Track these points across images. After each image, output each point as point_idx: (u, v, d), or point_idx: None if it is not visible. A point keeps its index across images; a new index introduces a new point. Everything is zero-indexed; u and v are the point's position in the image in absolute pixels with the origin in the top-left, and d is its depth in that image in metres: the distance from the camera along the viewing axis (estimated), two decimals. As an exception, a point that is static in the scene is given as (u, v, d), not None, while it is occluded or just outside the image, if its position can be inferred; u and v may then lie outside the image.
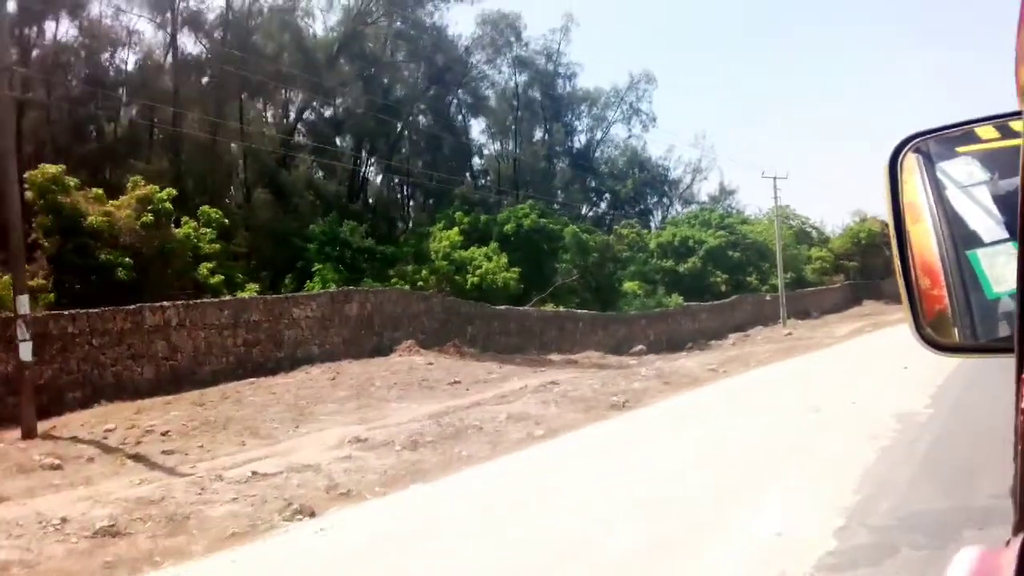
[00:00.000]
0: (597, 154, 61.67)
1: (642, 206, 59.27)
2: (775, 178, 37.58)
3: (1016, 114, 0.69)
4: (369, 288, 19.50)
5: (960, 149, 1.22)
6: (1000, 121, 1.15)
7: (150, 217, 17.09)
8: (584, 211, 59.05)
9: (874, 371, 12.89)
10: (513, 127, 51.21)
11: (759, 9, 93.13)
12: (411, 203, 47.89)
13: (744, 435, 8.12)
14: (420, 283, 26.11)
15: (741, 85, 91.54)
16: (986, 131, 1.18)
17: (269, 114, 34.58)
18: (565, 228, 30.33)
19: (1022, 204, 0.63)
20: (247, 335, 15.39)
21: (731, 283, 45.14)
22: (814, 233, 65.54)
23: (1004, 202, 1.09)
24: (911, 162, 1.24)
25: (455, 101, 46.67)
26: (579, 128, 60.56)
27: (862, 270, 63.26)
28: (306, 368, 14.85)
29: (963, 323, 1.15)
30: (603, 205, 60.17)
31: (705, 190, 63.75)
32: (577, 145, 59.20)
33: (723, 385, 12.26)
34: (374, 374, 13.73)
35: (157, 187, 17.92)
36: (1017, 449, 0.69)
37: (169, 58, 29.79)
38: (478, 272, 26.07)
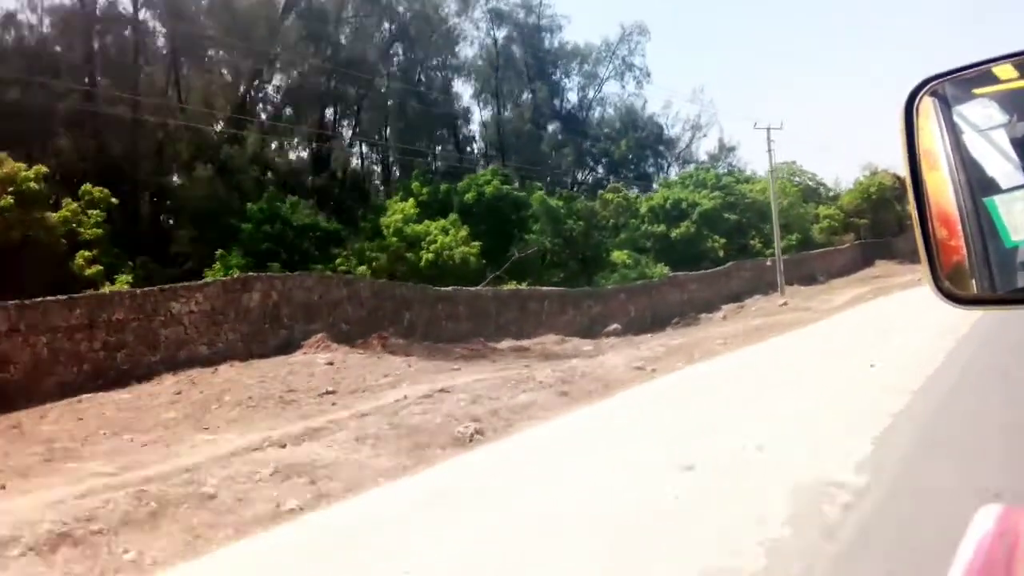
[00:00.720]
0: (591, 114, 58.29)
1: (638, 169, 55.89)
2: (768, 128, 34.26)
3: None
4: (276, 274, 16.82)
5: (977, 91, 1.16)
6: (1019, 59, 1.10)
7: (10, 200, 14.55)
8: (580, 176, 55.97)
9: (830, 373, 10.02)
10: (495, 87, 47.88)
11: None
12: (392, 176, 45.06)
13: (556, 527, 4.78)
14: (374, 263, 23.46)
15: (742, 34, 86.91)
16: (1004, 70, 1.12)
17: (216, 84, 31.65)
18: (533, 195, 27.36)
19: None
20: (108, 337, 12.86)
21: (730, 248, 41.97)
22: (822, 190, 61.84)
23: (1022, 145, 1.06)
24: (927, 106, 1.18)
25: (428, 60, 43.34)
26: (569, 87, 57.01)
27: (874, 227, 59.49)
28: (165, 377, 12.29)
29: (981, 274, 1.11)
30: (600, 170, 56.94)
31: (704, 148, 59.99)
32: (568, 106, 55.77)
33: (630, 397, 9.43)
34: (242, 382, 11.14)
35: (23, 165, 15.33)
36: None
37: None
38: (432, 248, 23.31)
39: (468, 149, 51.29)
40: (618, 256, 37.24)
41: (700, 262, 38.18)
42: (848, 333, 15.32)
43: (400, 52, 38.91)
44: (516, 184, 36.76)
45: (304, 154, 35.50)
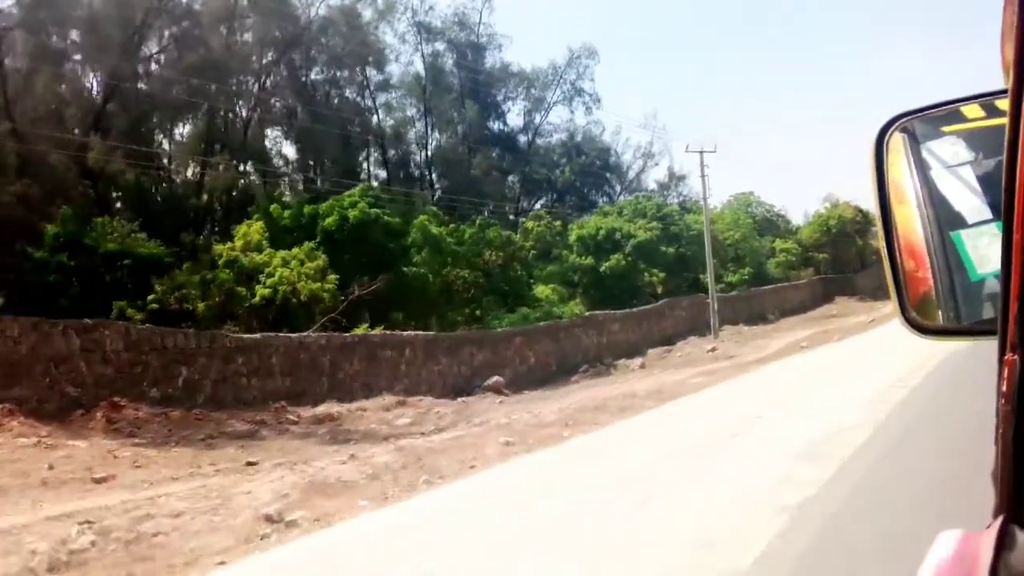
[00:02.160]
0: (537, 140, 54.53)
1: (585, 197, 51.97)
2: (702, 152, 30.32)
3: (1002, 92, 0.71)
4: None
5: (946, 128, 1.19)
6: (986, 100, 1.13)
7: None
8: (525, 204, 51.96)
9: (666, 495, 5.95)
10: (422, 107, 43.91)
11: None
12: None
13: None
14: (195, 300, 18.91)
15: (700, 61, 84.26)
16: (972, 110, 1.15)
17: (70, 91, 27.24)
18: (415, 221, 23.03)
19: (1006, 184, 0.62)
20: None
21: (671, 283, 37.97)
22: (780, 222, 58.27)
23: (988, 182, 1.08)
24: (897, 142, 1.22)
25: (336, 71, 39.21)
26: (513, 111, 53.35)
27: (834, 262, 55.83)
28: None
29: (947, 305, 1.13)
30: (543, 199, 52.94)
31: (655, 177, 56.33)
32: (510, 130, 51.96)
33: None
34: None
35: None
36: (999, 432, 0.67)
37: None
38: (270, 281, 18.83)
39: (403, 175, 47.18)
40: (542, 291, 33.04)
41: (634, 298, 34.04)
42: (738, 412, 11.11)
43: (298, 63, 34.69)
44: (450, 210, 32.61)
45: (190, 173, 31.10)
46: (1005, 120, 0.65)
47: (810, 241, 54.93)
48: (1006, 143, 0.62)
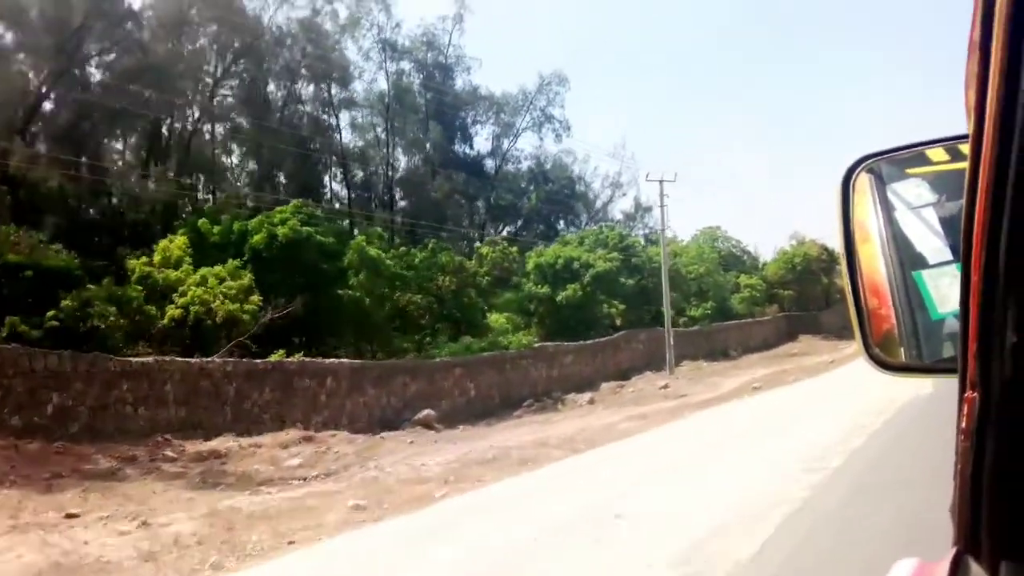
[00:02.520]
0: (505, 167, 53.65)
1: (551, 226, 51.00)
2: (661, 181, 29.42)
3: (965, 137, 0.70)
4: None
5: (910, 171, 1.22)
6: (950, 144, 1.14)
7: None
8: (493, 231, 50.83)
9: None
10: (386, 127, 42.77)
11: (702, 18, 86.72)
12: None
13: None
14: (101, 319, 17.29)
15: (672, 94, 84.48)
16: (936, 153, 1.17)
17: None
18: (353, 241, 21.62)
19: (965, 227, 0.64)
20: None
21: (631, 316, 36.87)
22: (747, 258, 57.82)
23: (950, 224, 1.09)
24: (863, 182, 1.23)
25: (298, 88, 38.01)
26: (480, 136, 52.52)
27: (800, 300, 55.36)
28: None
29: (909, 343, 1.14)
30: (510, 225, 51.86)
31: (621, 207, 55.66)
32: (476, 154, 51.03)
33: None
34: None
35: None
36: (957, 468, 0.68)
37: None
38: (181, 301, 17.28)
39: (366, 195, 45.88)
40: (496, 320, 31.73)
41: (592, 330, 32.85)
42: (655, 463, 9.75)
43: (254, 74, 33.41)
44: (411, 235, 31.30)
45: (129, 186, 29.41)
46: (967, 164, 0.66)
47: (775, 278, 54.45)
48: (966, 188, 0.64)
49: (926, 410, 11.75)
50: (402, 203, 45.29)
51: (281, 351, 16.85)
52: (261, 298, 18.52)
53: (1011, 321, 0.57)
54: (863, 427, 10.79)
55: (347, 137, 43.73)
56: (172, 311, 17.18)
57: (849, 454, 8.42)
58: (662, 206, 30.11)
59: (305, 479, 9.75)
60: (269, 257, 19.67)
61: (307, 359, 17.07)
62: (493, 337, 25.12)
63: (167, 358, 14.70)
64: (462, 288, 30.60)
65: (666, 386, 23.83)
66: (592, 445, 11.46)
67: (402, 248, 29.23)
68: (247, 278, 18.76)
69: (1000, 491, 0.61)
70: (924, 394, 14.85)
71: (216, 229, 20.78)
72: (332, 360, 17.61)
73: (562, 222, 52.48)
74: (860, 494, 6.68)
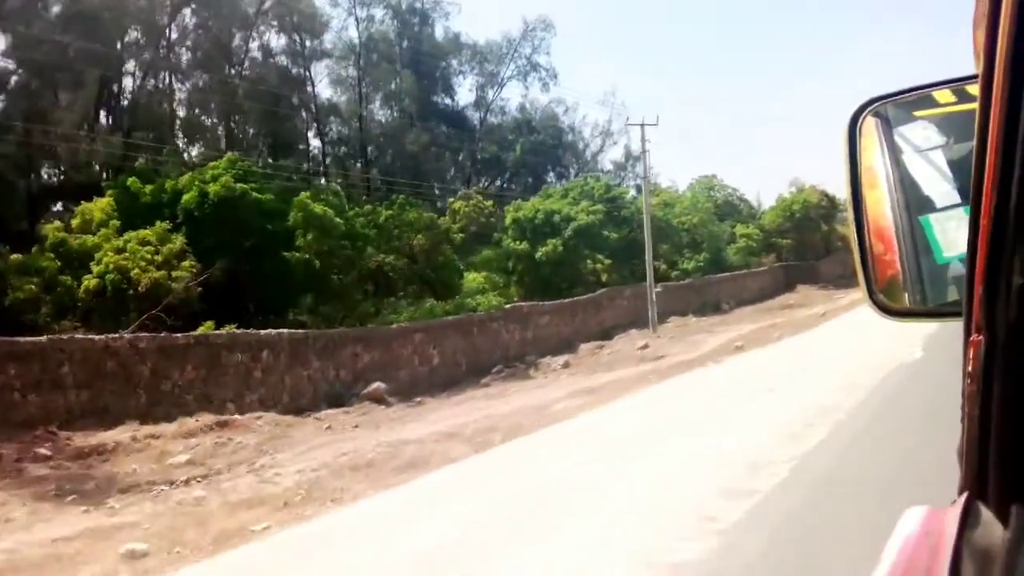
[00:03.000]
0: (490, 118, 51.18)
1: (538, 178, 48.73)
2: (643, 124, 27.18)
3: (973, 78, 0.73)
4: None
5: (917, 113, 1.19)
6: (957, 85, 1.12)
7: None
8: (481, 183, 48.67)
9: None
10: (358, 79, 40.32)
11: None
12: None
13: None
14: (14, 290, 15.63)
15: (665, 37, 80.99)
16: (943, 95, 1.15)
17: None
18: (296, 198, 19.70)
19: (975, 170, 0.63)
20: None
21: (621, 270, 35.04)
22: (743, 207, 55.58)
23: (958, 167, 1.08)
24: (870, 126, 1.21)
25: (266, 37, 35.58)
26: (461, 85, 49.94)
27: (798, 249, 53.18)
28: None
29: (913, 288, 1.14)
30: (498, 178, 49.61)
31: (612, 156, 53.25)
32: (459, 105, 48.55)
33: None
34: None
35: None
36: (964, 411, 0.69)
37: None
38: (97, 269, 15.56)
39: (341, 151, 43.68)
40: (473, 279, 30.02)
41: (575, 287, 31.10)
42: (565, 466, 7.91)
43: (212, 21, 31.02)
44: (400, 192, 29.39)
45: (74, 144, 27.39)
46: (975, 105, 0.66)
47: (773, 227, 52.27)
48: (976, 129, 0.63)
49: (914, 385, 10.02)
50: (387, 159, 43.08)
51: (209, 323, 15.15)
52: (196, 264, 16.79)
53: (1019, 264, 0.57)
54: (834, 409, 9.02)
55: (322, 91, 41.41)
56: (88, 281, 15.49)
57: (799, 462, 6.55)
58: (643, 152, 27.94)
59: (173, 483, 8.15)
60: (202, 218, 17.85)
61: (239, 331, 15.37)
62: (462, 299, 23.40)
63: (66, 336, 13.04)
64: (435, 247, 28.87)
65: (646, 346, 22.16)
66: (511, 436, 9.75)
67: (368, 206, 27.34)
68: (178, 242, 17.00)
69: (1008, 433, 0.61)
70: (911, 360, 13.12)
71: (148, 189, 18.92)
72: (269, 331, 15.91)
73: (551, 175, 50.25)
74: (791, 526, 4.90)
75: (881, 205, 1.14)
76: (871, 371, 11.59)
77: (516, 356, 22.93)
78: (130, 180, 18.90)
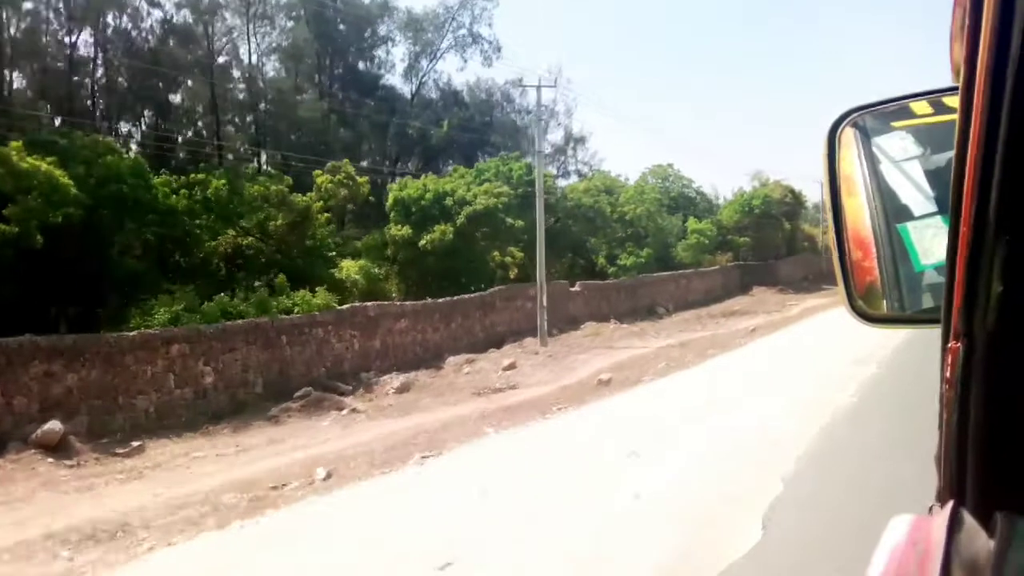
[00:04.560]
0: (423, 92, 45.40)
1: (470, 158, 43.05)
2: (539, 86, 21.49)
3: (950, 90, 0.72)
4: None
5: (895, 124, 1.21)
6: (934, 97, 1.13)
7: None
8: (406, 166, 42.90)
9: None
10: (247, 35, 34.34)
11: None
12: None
13: None
14: None
15: (620, 19, 75.31)
16: (920, 106, 1.16)
17: None
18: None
19: (955, 177, 0.64)
20: None
21: (527, 265, 29.52)
22: (700, 200, 50.14)
23: (935, 177, 1.09)
24: (848, 136, 1.22)
25: None
26: (391, 55, 44.08)
27: (756, 247, 47.85)
28: None
29: (892, 295, 1.14)
30: (428, 159, 43.80)
31: (554, 139, 47.56)
32: (382, 76, 42.69)
33: None
34: None
35: None
36: (942, 418, 0.69)
37: None
38: None
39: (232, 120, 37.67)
40: (348, 268, 24.38)
41: (475, 283, 25.52)
42: None
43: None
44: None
45: None
46: (951, 117, 0.66)
47: (730, 223, 46.87)
48: (956, 138, 0.64)
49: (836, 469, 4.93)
50: (282, 132, 37.07)
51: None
52: None
53: (997, 271, 0.57)
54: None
55: (220, 49, 35.36)
56: None
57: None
58: (538, 121, 22.28)
59: None
60: None
61: None
62: (285, 301, 17.68)
63: None
64: (295, 228, 23.23)
65: (512, 366, 16.57)
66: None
67: (195, 175, 21.58)
68: None
69: (987, 439, 0.61)
70: (838, 415, 7.82)
71: None
72: None
73: (486, 156, 44.67)
74: None
75: (860, 213, 1.14)
76: (771, 443, 6.23)
77: (350, 372, 17.30)
78: None
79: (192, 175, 22.34)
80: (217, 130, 34.91)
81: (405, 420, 12.17)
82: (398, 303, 19.80)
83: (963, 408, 0.62)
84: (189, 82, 32.70)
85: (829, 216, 1.16)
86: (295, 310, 16.65)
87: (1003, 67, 0.54)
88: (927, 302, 1.07)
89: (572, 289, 27.97)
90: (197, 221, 21.36)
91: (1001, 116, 0.54)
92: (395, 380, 16.53)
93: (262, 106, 35.27)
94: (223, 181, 21.60)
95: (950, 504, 0.66)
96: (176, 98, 32.85)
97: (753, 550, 4.74)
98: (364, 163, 34.13)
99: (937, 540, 0.64)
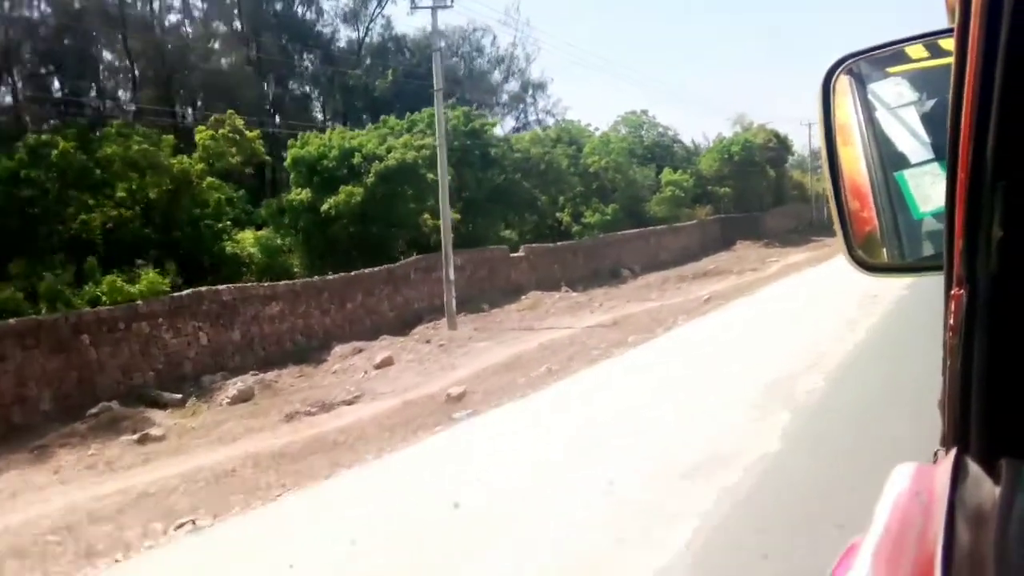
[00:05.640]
0: (370, 39, 40.69)
1: (418, 111, 38.68)
2: (434, 7, 17.20)
3: (946, 32, 0.70)
4: None
5: (891, 69, 1.17)
6: (930, 39, 1.10)
7: None
8: (348, 123, 38.53)
9: None
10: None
11: None
12: None
13: None
14: None
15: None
16: (916, 50, 1.13)
17: None
18: None
19: (951, 121, 0.62)
20: None
21: (486, 229, 25.49)
22: (678, 149, 45.64)
23: (932, 122, 1.07)
24: (843, 84, 1.18)
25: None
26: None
27: (739, 198, 43.50)
28: None
29: (891, 243, 1.12)
30: (377, 112, 39.39)
31: (511, 88, 42.98)
32: (314, 20, 37.99)
33: None
34: None
35: None
36: (946, 364, 0.68)
37: None
38: None
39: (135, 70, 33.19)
40: (245, 239, 20.53)
41: (394, 253, 21.58)
42: None
43: None
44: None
45: None
46: (947, 60, 0.65)
47: (710, 172, 42.54)
48: (952, 82, 0.62)
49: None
50: (193, 82, 32.59)
51: None
52: None
53: (997, 216, 0.57)
54: None
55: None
56: None
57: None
58: (435, 50, 17.90)
59: None
60: None
61: None
62: (92, 290, 13.76)
63: None
64: (175, 197, 19.34)
65: (386, 362, 12.70)
66: None
67: (38, 137, 17.53)
68: None
69: (991, 386, 0.61)
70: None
71: None
72: None
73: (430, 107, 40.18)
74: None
75: (856, 162, 1.12)
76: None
77: (192, 375, 13.52)
78: None
79: (35, 137, 18.30)
80: (116, 85, 30.56)
81: (179, 462, 8.40)
82: (266, 284, 15.88)
83: (967, 354, 0.60)
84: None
85: (825, 166, 1.13)
86: (102, 300, 12.73)
87: (998, 6, 0.52)
88: (927, 250, 1.05)
89: (514, 255, 24.01)
90: (42, 192, 17.38)
91: (997, 57, 0.53)
92: (238, 384, 12.73)
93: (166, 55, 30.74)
94: (72, 144, 17.50)
95: (954, 451, 0.64)
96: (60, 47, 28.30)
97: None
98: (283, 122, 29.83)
99: (941, 489, 0.62)
